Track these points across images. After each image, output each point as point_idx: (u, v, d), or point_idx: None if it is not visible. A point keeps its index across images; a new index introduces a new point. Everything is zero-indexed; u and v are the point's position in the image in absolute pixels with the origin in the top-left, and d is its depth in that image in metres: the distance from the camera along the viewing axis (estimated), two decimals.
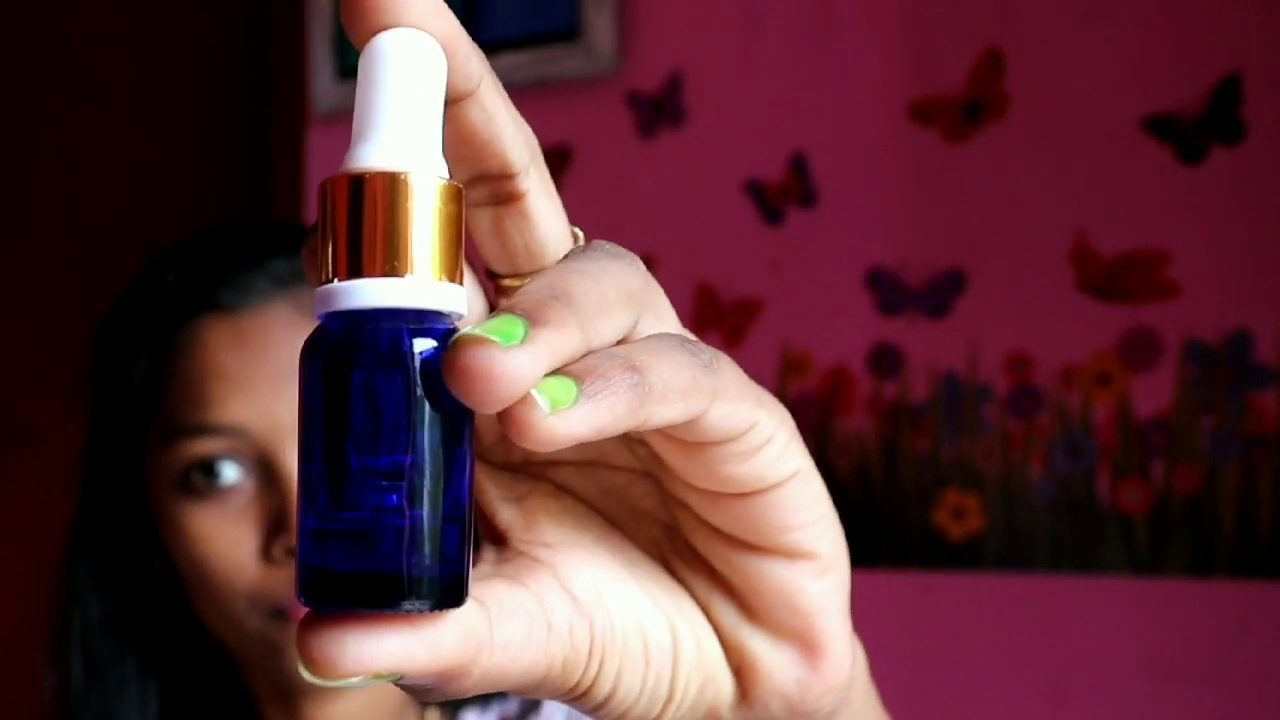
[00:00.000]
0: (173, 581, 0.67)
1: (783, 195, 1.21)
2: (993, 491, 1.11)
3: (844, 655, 0.29)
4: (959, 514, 1.12)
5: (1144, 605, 1.05)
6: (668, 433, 0.25)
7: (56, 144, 1.65)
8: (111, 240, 1.51)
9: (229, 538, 0.62)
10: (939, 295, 1.14)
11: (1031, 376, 1.10)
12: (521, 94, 1.48)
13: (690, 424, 0.24)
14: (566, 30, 1.30)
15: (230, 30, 1.59)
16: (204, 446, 0.62)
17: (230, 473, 0.62)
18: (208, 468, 0.62)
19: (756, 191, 1.22)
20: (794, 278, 1.20)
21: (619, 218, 1.27)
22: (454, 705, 0.71)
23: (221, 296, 0.64)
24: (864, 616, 1.29)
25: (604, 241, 0.26)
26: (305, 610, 0.22)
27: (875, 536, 1.16)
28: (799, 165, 1.20)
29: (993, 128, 1.12)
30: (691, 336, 0.26)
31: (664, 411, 0.23)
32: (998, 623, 1.11)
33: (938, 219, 1.14)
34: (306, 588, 0.22)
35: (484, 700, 0.71)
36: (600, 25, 1.28)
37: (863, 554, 1.16)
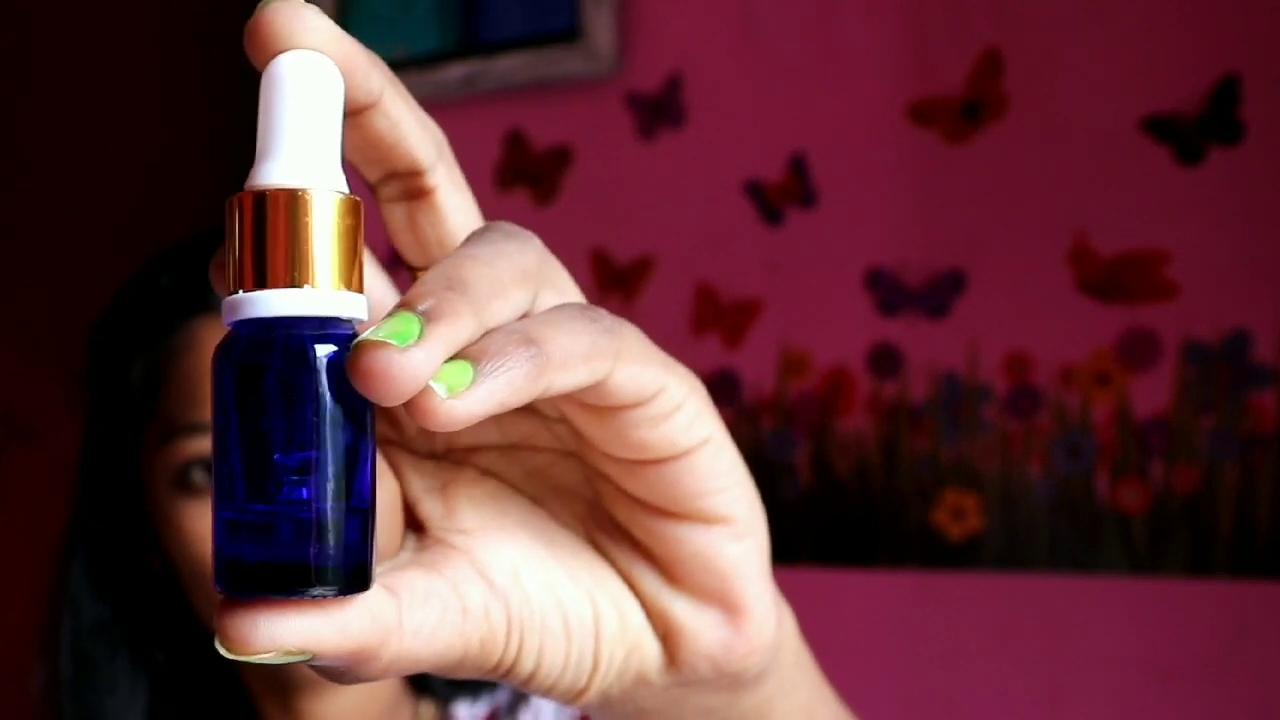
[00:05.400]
0: (169, 580, 0.67)
1: (782, 195, 1.21)
2: (992, 491, 1.11)
3: (766, 617, 0.30)
4: (958, 514, 1.12)
5: (1143, 605, 1.05)
6: (581, 400, 0.26)
7: (57, 144, 1.65)
8: (113, 240, 1.51)
9: None
10: (939, 295, 1.14)
11: (1031, 377, 1.10)
12: (521, 95, 1.47)
13: (598, 388, 0.25)
14: (566, 31, 1.30)
15: (231, 31, 1.59)
16: (202, 445, 0.62)
17: None
18: (206, 466, 0.62)
19: (756, 192, 1.22)
20: (794, 278, 1.20)
21: (619, 218, 1.27)
22: (446, 698, 0.72)
23: (216, 297, 0.64)
24: (864, 616, 1.30)
25: (503, 222, 0.27)
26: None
27: (874, 536, 1.16)
28: (798, 165, 1.20)
29: (992, 128, 1.12)
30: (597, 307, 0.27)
31: (566, 377, 0.24)
32: (997, 622, 1.11)
33: (937, 219, 1.14)
34: (222, 576, 0.23)
35: (474, 692, 0.72)
36: (600, 26, 1.28)
37: (862, 554, 1.17)
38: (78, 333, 0.76)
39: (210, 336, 0.64)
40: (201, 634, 0.68)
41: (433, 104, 1.33)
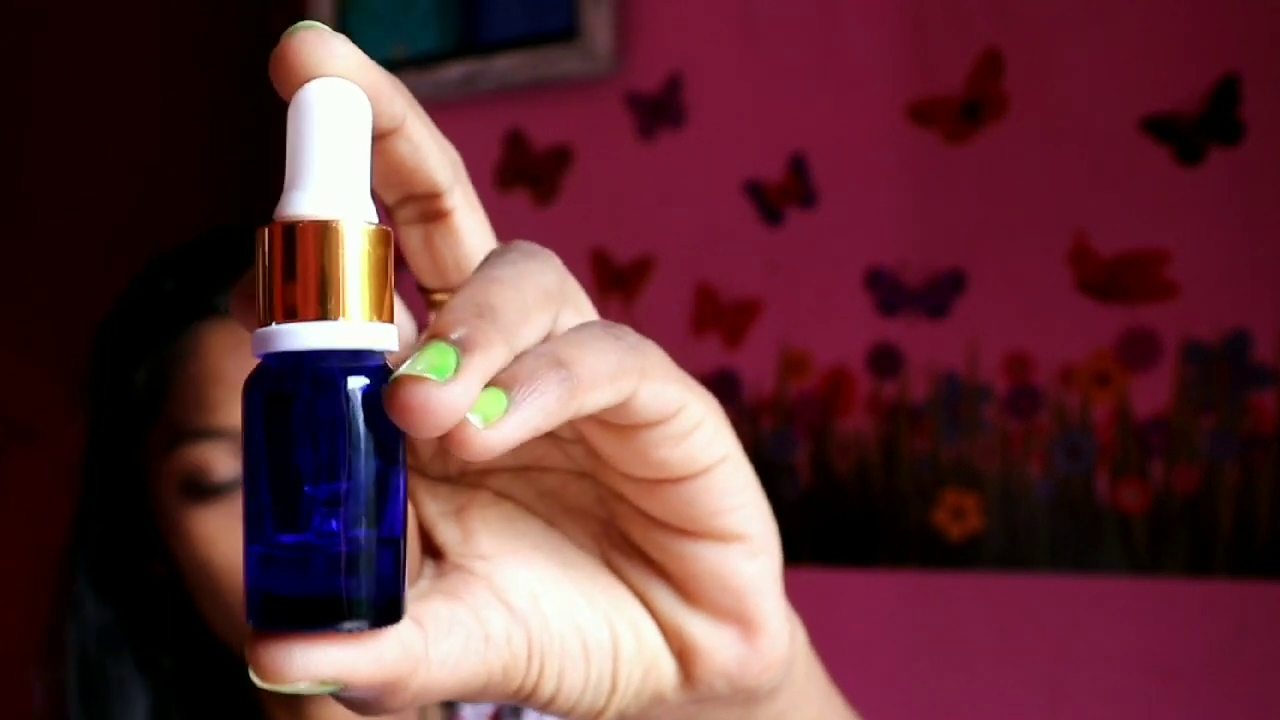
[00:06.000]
0: (174, 586, 0.67)
1: (782, 196, 1.21)
2: (992, 491, 1.11)
3: (781, 632, 0.30)
4: (958, 514, 1.12)
5: (1143, 605, 1.05)
6: (603, 419, 0.26)
7: (59, 145, 1.65)
8: (113, 240, 1.51)
9: (234, 539, 0.62)
10: (938, 295, 1.14)
11: (1031, 376, 1.10)
12: (521, 94, 1.47)
13: (623, 406, 0.25)
14: (565, 31, 1.30)
15: (229, 32, 1.59)
16: (208, 450, 0.62)
17: (234, 475, 0.62)
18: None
19: (756, 192, 1.22)
20: (794, 278, 1.20)
21: (618, 218, 1.27)
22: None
23: (220, 301, 0.64)
24: (864, 616, 1.30)
25: (521, 241, 0.28)
26: None
27: (874, 536, 1.16)
28: (798, 165, 1.20)
29: (992, 128, 1.12)
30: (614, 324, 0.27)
31: (596, 398, 0.24)
32: (997, 622, 1.11)
33: (937, 219, 1.14)
34: (254, 611, 0.23)
35: None
36: (599, 26, 1.28)
37: (862, 554, 1.17)
38: (78, 333, 0.76)
39: (215, 340, 0.64)
40: (208, 638, 0.68)
41: (432, 104, 1.33)
